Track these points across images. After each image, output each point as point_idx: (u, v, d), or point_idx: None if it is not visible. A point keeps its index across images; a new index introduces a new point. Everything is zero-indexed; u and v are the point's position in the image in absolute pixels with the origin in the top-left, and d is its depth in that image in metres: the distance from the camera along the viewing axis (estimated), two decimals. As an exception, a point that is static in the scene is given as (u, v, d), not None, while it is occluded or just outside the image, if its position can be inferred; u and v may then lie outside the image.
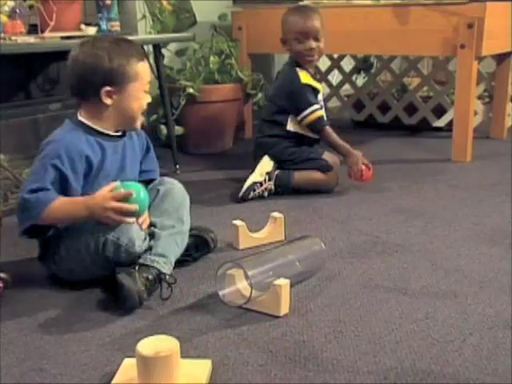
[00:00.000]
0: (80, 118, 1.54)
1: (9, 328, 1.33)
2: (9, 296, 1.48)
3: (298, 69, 2.36)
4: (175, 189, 1.62)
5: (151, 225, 1.54)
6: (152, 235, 1.51)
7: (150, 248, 1.49)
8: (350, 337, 1.27)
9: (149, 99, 1.59)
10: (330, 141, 2.33)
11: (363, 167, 2.26)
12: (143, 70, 1.54)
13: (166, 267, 1.46)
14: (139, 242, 1.45)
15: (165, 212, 1.56)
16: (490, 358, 1.18)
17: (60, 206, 1.42)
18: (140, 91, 1.54)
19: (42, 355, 1.22)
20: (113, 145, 1.56)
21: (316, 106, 2.32)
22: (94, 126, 1.53)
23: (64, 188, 1.45)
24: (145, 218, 1.54)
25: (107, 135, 1.55)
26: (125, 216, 1.41)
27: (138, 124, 1.59)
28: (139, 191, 1.43)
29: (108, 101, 1.50)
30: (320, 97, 2.40)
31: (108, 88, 1.48)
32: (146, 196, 1.46)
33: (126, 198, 1.40)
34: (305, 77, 2.35)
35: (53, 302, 1.46)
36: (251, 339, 1.26)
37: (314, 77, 2.41)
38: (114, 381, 1.10)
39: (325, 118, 2.36)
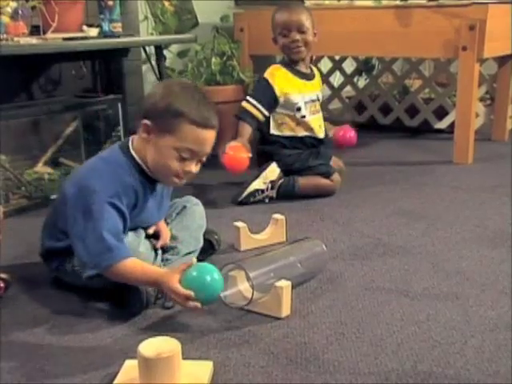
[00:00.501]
0: (131, 148, 1.44)
1: (10, 329, 1.33)
2: (10, 296, 1.48)
3: (276, 65, 2.39)
4: (199, 210, 1.66)
5: (171, 237, 1.58)
6: (171, 248, 1.55)
7: (165, 259, 1.52)
8: (351, 338, 1.27)
9: (187, 167, 1.40)
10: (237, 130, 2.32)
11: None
12: (191, 135, 1.37)
13: None
14: (150, 263, 1.45)
15: (186, 228, 1.60)
16: (491, 359, 1.18)
17: (131, 268, 1.33)
18: (171, 149, 1.37)
19: (44, 356, 1.22)
20: (153, 188, 1.49)
21: (249, 99, 2.31)
22: (140, 164, 1.43)
23: (123, 222, 1.39)
24: (165, 238, 1.56)
25: (149, 178, 1.46)
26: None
27: (168, 183, 1.49)
28: (211, 277, 1.28)
29: (143, 135, 1.39)
30: (295, 98, 2.32)
31: (147, 122, 1.37)
32: (217, 282, 1.28)
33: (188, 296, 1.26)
34: (273, 72, 2.35)
35: (55, 302, 1.46)
36: (252, 341, 1.26)
37: (300, 73, 2.37)
38: (115, 382, 1.10)
39: (250, 114, 2.30)
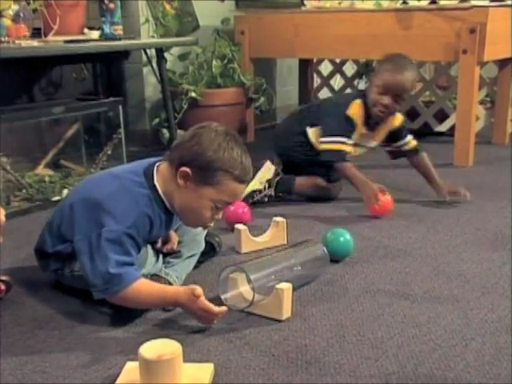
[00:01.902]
0: (155, 178, 1.41)
1: (11, 330, 1.33)
2: (11, 299, 1.48)
3: (357, 100, 2.24)
4: None
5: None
6: (175, 252, 1.56)
7: (167, 262, 1.53)
8: (351, 341, 1.27)
9: (219, 215, 1.43)
10: (345, 175, 2.22)
11: (381, 200, 2.08)
12: (230, 189, 1.37)
13: (177, 282, 1.49)
14: (150, 267, 1.45)
15: (188, 232, 1.59)
16: (492, 362, 1.18)
17: (146, 289, 1.33)
18: (209, 200, 1.37)
19: (44, 357, 1.22)
20: (170, 218, 1.47)
21: (340, 139, 2.21)
22: (164, 199, 1.41)
23: (135, 249, 1.37)
24: (173, 242, 1.57)
25: (169, 213, 1.45)
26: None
27: (194, 226, 1.51)
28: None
29: (181, 182, 1.36)
30: (356, 140, 2.26)
31: (186, 169, 1.35)
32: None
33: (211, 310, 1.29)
34: (354, 110, 2.23)
35: (55, 305, 1.46)
36: (253, 343, 1.26)
37: (369, 125, 2.27)
38: (116, 383, 1.10)
39: (346, 154, 2.22)
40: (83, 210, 1.37)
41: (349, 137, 2.22)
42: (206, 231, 1.64)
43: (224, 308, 1.30)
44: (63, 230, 1.44)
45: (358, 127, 2.25)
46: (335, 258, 1.66)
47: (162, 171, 1.41)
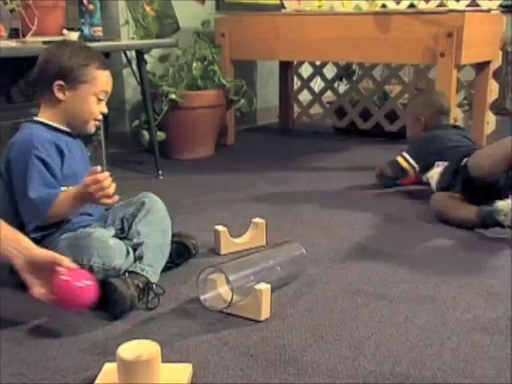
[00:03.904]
0: (36, 118, 1.60)
1: (-12, 333, 1.32)
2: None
3: None
4: (159, 203, 1.64)
5: (137, 233, 1.56)
6: (139, 244, 1.53)
7: (137, 257, 1.50)
8: (330, 341, 1.28)
9: (103, 108, 1.62)
10: None
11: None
12: (101, 77, 1.59)
13: (154, 277, 1.48)
14: (122, 259, 1.45)
15: (150, 223, 1.58)
16: (467, 361, 1.20)
17: (61, 201, 1.46)
18: (90, 95, 1.57)
19: (22, 360, 1.21)
20: (73, 141, 1.62)
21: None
22: (53, 124, 1.58)
23: (51, 173, 1.50)
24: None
25: (67, 133, 1.60)
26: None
27: (89, 128, 1.63)
28: None
29: (60, 95, 1.55)
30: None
31: (60, 82, 1.54)
32: None
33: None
34: None
35: (34, 307, 1.44)
36: (232, 343, 1.27)
37: None
38: (94, 385, 1.10)
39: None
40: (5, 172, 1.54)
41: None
42: (169, 220, 1.62)
43: (100, 171, 1.40)
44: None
45: None
46: None
47: (38, 114, 1.60)
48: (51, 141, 1.53)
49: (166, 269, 1.60)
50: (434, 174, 2.26)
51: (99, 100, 1.60)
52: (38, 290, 1.29)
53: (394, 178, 2.47)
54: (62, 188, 1.51)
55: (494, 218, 1.87)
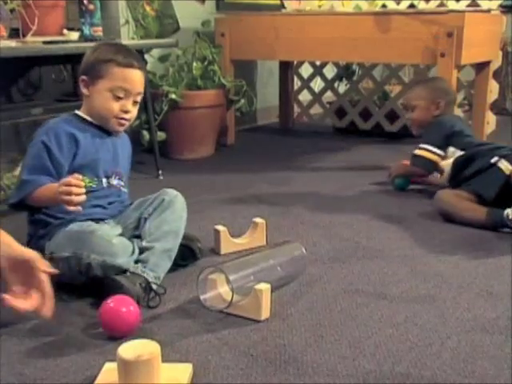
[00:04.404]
0: (76, 111, 1.66)
1: (-12, 333, 1.32)
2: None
3: None
4: (178, 199, 1.63)
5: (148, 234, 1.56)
6: (146, 249, 1.52)
7: (142, 261, 1.49)
8: (330, 341, 1.28)
9: (124, 107, 1.60)
10: None
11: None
12: (119, 74, 1.58)
13: (155, 281, 1.47)
14: (126, 258, 1.45)
15: (164, 223, 1.57)
16: (467, 360, 1.20)
17: (44, 190, 1.48)
18: (105, 90, 1.58)
19: (22, 360, 1.21)
20: (102, 135, 1.65)
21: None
22: (86, 117, 1.63)
23: (53, 165, 1.53)
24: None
25: (97, 126, 1.64)
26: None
27: (111, 126, 1.63)
28: None
29: (85, 90, 1.61)
30: None
31: (84, 77, 1.61)
32: None
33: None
34: None
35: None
36: (232, 343, 1.27)
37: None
38: (94, 385, 1.10)
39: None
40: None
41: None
42: (184, 220, 1.61)
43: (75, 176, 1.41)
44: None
45: None
46: None
47: (82, 107, 1.67)
48: (68, 132, 1.57)
49: (169, 270, 1.58)
50: (446, 165, 2.26)
51: (117, 97, 1.59)
52: (17, 289, 1.27)
53: (407, 179, 2.44)
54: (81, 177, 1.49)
55: (505, 220, 1.89)
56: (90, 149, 1.60)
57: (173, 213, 1.59)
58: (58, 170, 1.53)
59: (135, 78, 1.62)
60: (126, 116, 1.62)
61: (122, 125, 1.64)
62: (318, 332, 1.32)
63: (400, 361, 1.20)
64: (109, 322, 1.28)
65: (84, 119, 1.64)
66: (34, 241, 1.56)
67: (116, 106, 1.59)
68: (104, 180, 1.63)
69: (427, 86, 2.46)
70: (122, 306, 1.28)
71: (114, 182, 1.65)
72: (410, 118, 2.50)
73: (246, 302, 1.37)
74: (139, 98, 1.64)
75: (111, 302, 1.28)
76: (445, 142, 2.30)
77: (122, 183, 1.68)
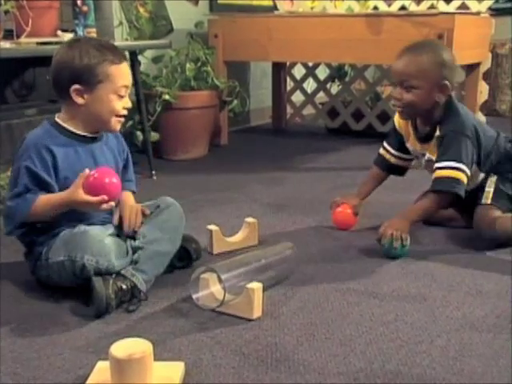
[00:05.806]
0: (56, 118, 1.55)
1: (-18, 332, 1.33)
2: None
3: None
4: (175, 208, 1.60)
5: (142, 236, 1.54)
6: (139, 248, 1.50)
7: (134, 261, 1.48)
8: (321, 339, 1.29)
9: (127, 104, 1.55)
10: None
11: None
12: (117, 73, 1.50)
13: (144, 285, 1.46)
14: (120, 261, 1.45)
15: (160, 229, 1.54)
16: (456, 358, 1.21)
17: (41, 206, 1.44)
18: (110, 93, 1.50)
19: (16, 359, 1.22)
20: (85, 145, 1.55)
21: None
22: (67, 126, 1.53)
23: (42, 187, 1.47)
24: (137, 212, 1.57)
25: (80, 136, 1.54)
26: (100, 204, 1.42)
27: (113, 126, 1.56)
28: None
29: (79, 100, 1.49)
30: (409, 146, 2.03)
31: (77, 86, 1.47)
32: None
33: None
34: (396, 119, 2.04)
35: (28, 305, 1.45)
36: (224, 342, 1.28)
37: (416, 131, 1.94)
38: (86, 383, 1.11)
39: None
40: None
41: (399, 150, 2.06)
42: (181, 230, 1.59)
43: (104, 198, 1.40)
44: None
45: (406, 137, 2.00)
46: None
47: (60, 113, 1.56)
48: (50, 148, 1.48)
49: (165, 271, 1.57)
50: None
51: (120, 96, 1.52)
52: None
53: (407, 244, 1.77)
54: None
55: None
56: (72, 160, 1.51)
57: (169, 221, 1.57)
58: (49, 190, 1.48)
59: (128, 71, 1.57)
60: (126, 112, 1.56)
61: (121, 122, 1.58)
62: (309, 331, 1.33)
63: (390, 359, 1.21)
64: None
65: (64, 128, 1.53)
66: (31, 248, 1.54)
67: (119, 105, 1.53)
68: (109, 225, 1.57)
69: (431, 58, 1.80)
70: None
71: (114, 220, 1.59)
72: (400, 97, 1.83)
73: (238, 301, 1.38)
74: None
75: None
76: (485, 157, 1.86)
77: None
